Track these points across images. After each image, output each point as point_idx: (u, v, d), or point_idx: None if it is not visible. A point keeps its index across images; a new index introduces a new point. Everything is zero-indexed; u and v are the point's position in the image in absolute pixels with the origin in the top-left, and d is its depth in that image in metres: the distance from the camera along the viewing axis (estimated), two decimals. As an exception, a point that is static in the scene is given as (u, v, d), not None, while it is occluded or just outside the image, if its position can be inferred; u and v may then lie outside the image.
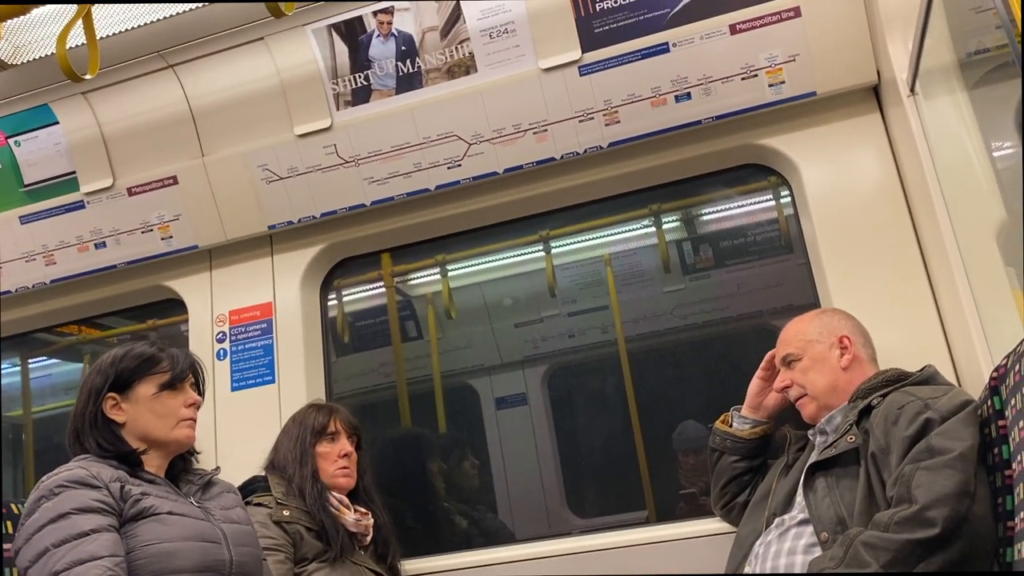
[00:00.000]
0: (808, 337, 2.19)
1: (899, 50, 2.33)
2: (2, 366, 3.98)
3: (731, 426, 2.39)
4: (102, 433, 1.90)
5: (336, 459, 2.46)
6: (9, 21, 2.10)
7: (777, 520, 2.03)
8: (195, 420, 2.01)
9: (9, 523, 1.90)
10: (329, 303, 3.22)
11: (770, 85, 2.56)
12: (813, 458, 2.02)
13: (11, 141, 3.10)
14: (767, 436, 2.37)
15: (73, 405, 1.98)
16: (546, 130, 2.72)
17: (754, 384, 2.37)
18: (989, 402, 1.74)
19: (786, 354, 2.21)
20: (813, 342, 2.18)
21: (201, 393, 2.07)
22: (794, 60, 2.53)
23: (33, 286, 3.22)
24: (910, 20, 2.12)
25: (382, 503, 2.58)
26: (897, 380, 2.01)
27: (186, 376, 2.01)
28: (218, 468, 2.12)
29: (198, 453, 2.12)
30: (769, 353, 2.35)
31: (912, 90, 2.26)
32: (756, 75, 2.56)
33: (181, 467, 2.04)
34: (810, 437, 2.17)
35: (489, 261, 3.70)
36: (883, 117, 2.56)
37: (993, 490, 1.70)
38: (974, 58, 2.17)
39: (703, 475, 3.09)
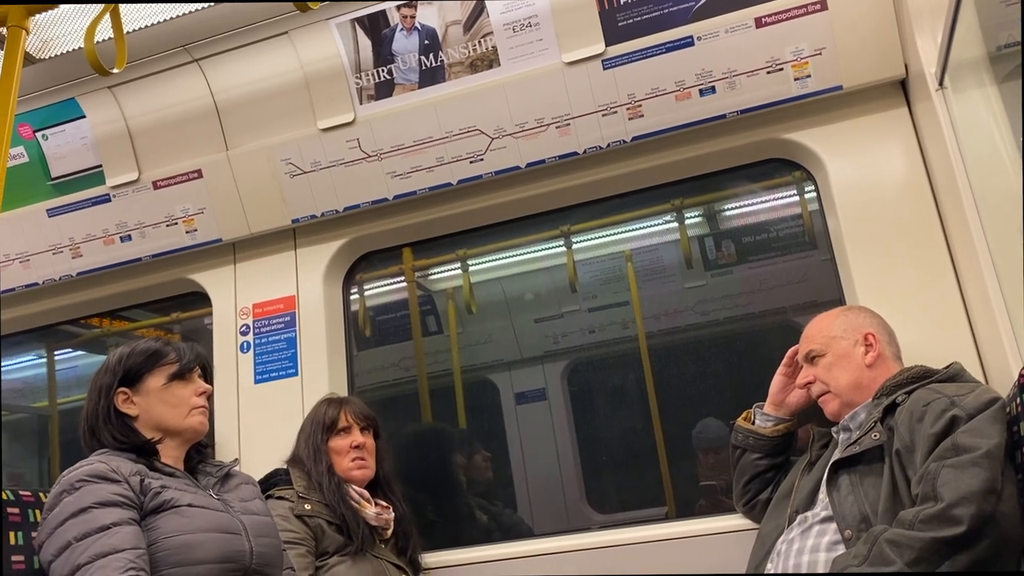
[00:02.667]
0: (832, 333, 2.17)
1: (927, 43, 2.30)
2: (4, 361, 4.04)
3: (753, 423, 2.37)
4: (116, 427, 1.92)
5: (348, 452, 2.46)
6: (37, 16, 2.12)
7: (800, 517, 2.01)
8: (207, 408, 2.03)
9: (37, 511, 1.93)
10: (351, 297, 3.23)
11: (796, 79, 2.54)
12: (836, 455, 2.00)
13: (39, 135, 3.13)
14: (790, 434, 2.35)
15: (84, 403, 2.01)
16: (569, 124, 2.71)
17: (776, 381, 2.36)
18: (1017, 400, 1.71)
19: (809, 350, 2.20)
20: (837, 339, 2.16)
21: (209, 378, 2.09)
22: (820, 54, 2.50)
23: (60, 278, 3.26)
24: (939, 13, 2.09)
25: (402, 494, 2.58)
26: (922, 377, 1.99)
27: (194, 367, 2.03)
28: (236, 460, 2.14)
29: (210, 446, 2.14)
30: (791, 349, 2.33)
31: (941, 84, 2.23)
32: (782, 69, 2.53)
33: (198, 460, 2.06)
34: (833, 434, 2.15)
35: (510, 256, 3.70)
36: (911, 111, 2.53)
37: (1020, 488, 1.67)
38: (1004, 51, 2.14)
39: (723, 473, 3.08)
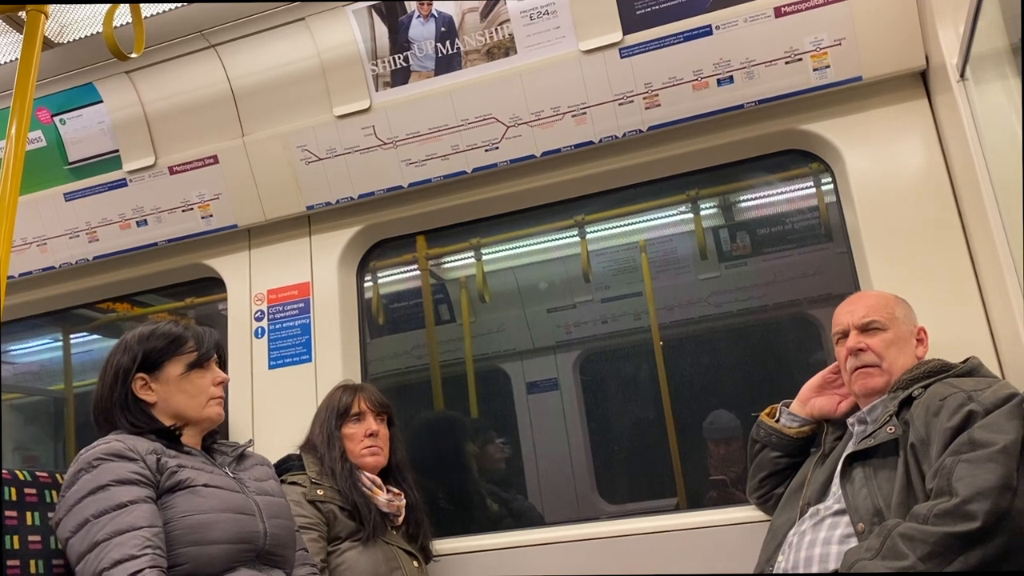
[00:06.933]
0: (896, 314, 2.14)
1: (949, 34, 2.27)
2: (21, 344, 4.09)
3: (778, 421, 2.32)
4: (133, 414, 1.92)
5: (362, 439, 2.47)
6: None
7: (811, 510, 2.00)
8: (223, 397, 2.03)
9: (54, 492, 1.95)
10: (364, 284, 3.24)
11: (815, 69, 2.52)
12: (851, 448, 1.99)
13: (56, 119, 3.15)
14: (813, 435, 2.30)
15: (96, 384, 2.01)
16: (585, 113, 2.70)
17: (814, 379, 2.30)
18: (1035, 396, 1.70)
19: (872, 320, 2.13)
20: (900, 321, 2.13)
21: (224, 370, 2.09)
22: (840, 44, 2.48)
23: (76, 262, 3.28)
24: (961, 4, 2.06)
25: (414, 481, 2.59)
26: (940, 371, 1.97)
27: (212, 355, 2.03)
28: (251, 441, 2.15)
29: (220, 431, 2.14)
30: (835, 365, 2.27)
31: (962, 76, 2.20)
32: (801, 59, 2.51)
33: (212, 440, 2.07)
34: (849, 426, 2.14)
35: (524, 245, 3.70)
36: (931, 103, 2.50)
37: (1036, 485, 1.66)
38: (1026, 43, 2.11)
39: (733, 465, 3.07)
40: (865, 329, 2.14)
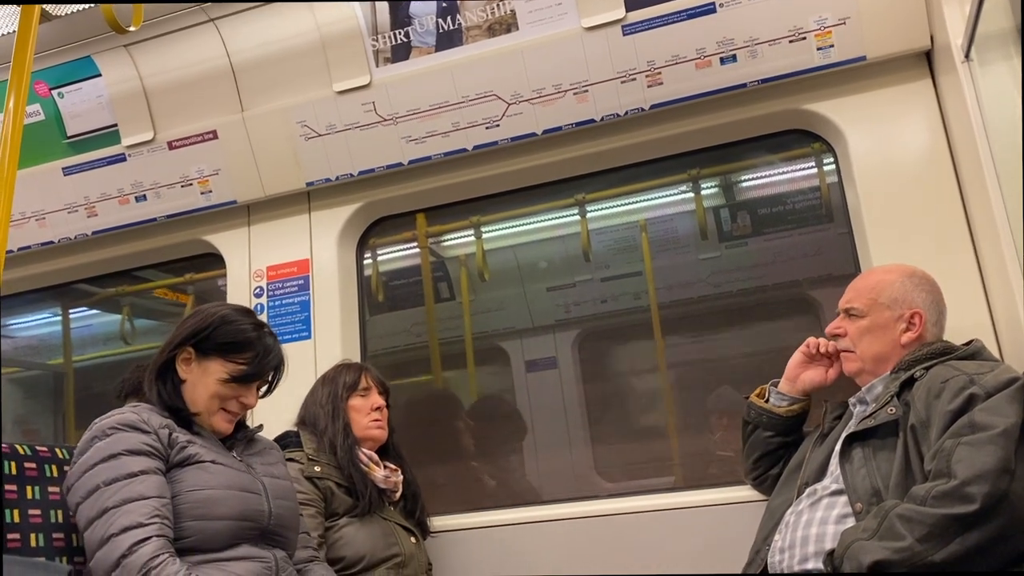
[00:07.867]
0: (880, 299, 2.10)
1: (954, 14, 2.25)
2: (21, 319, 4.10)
3: (767, 401, 2.33)
4: (165, 386, 1.92)
5: (369, 412, 2.50)
6: (54, -29, 2.11)
7: (809, 489, 2.01)
8: (237, 415, 2.00)
9: (54, 466, 1.96)
10: (364, 262, 3.23)
11: (818, 49, 2.50)
12: (851, 428, 1.99)
13: (55, 93, 3.12)
14: (804, 413, 2.32)
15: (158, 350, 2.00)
16: (587, 91, 2.68)
17: (795, 357, 2.30)
18: (1036, 378, 1.70)
19: (851, 306, 2.14)
20: (882, 307, 2.09)
21: (271, 390, 2.06)
22: (844, 23, 2.46)
23: (75, 237, 3.27)
24: (968, -17, 2.05)
25: (408, 461, 2.61)
26: (943, 353, 1.97)
27: (259, 378, 2.00)
28: (261, 426, 2.15)
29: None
30: (815, 341, 2.27)
31: (967, 56, 2.19)
32: (804, 38, 2.49)
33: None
34: (850, 406, 2.14)
35: (524, 224, 3.69)
36: (934, 84, 2.49)
37: (1035, 468, 1.66)
38: (1033, 24, 2.09)
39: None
40: (847, 313, 2.15)
